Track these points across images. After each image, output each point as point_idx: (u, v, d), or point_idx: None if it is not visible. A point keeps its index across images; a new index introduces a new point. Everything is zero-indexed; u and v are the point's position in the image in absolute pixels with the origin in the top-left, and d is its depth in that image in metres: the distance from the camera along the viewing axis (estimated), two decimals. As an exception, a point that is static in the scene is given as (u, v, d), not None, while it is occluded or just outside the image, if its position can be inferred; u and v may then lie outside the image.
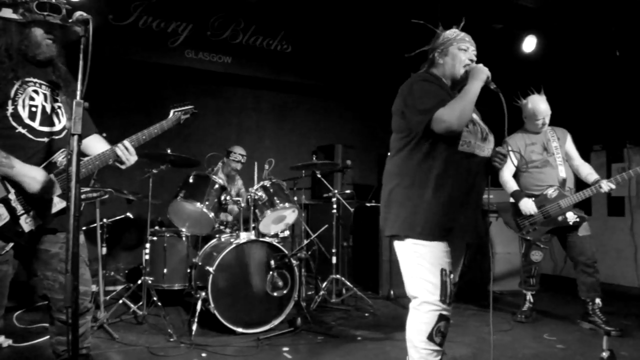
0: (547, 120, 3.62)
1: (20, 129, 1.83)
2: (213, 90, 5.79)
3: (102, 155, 1.97)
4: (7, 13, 1.75)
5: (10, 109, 1.80)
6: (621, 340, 3.24)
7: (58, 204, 1.90)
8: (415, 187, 1.94)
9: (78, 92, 1.59)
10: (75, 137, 1.56)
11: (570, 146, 3.71)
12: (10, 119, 1.80)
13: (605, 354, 2.34)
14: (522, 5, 4.87)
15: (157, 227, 4.34)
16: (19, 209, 1.81)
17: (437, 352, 1.89)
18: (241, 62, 5.55)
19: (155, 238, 4.07)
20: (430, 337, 1.87)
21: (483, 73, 1.96)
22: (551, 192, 3.56)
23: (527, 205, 3.58)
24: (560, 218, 3.52)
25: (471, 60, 2.04)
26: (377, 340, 3.29)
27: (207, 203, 3.60)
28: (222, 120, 5.83)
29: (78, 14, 1.65)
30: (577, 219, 3.49)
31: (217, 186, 3.71)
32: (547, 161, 3.61)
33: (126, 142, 2.00)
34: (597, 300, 3.48)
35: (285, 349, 3.05)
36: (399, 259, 2.04)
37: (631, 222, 5.21)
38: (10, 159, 1.77)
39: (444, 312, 1.88)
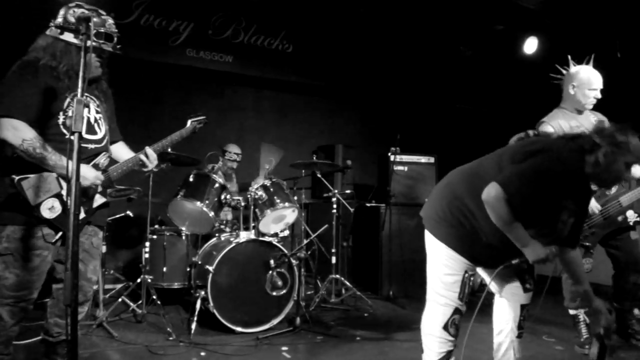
0: (599, 96, 3.03)
1: (69, 136, 1.96)
2: (214, 89, 5.79)
3: (129, 161, 2.26)
4: (69, 37, 2.04)
5: (61, 118, 2.03)
6: (621, 342, 3.23)
7: (98, 200, 2.17)
8: (485, 230, 1.94)
9: (79, 90, 1.60)
10: (76, 135, 1.56)
11: None
12: (62, 127, 2.03)
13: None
14: (524, 6, 4.87)
15: (157, 226, 4.34)
16: (69, 203, 1.93)
17: (451, 341, 2.03)
18: (242, 62, 5.55)
19: (155, 236, 4.07)
20: (445, 327, 2.01)
21: (535, 258, 1.86)
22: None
23: (590, 205, 2.94)
24: (620, 218, 3.03)
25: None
26: (376, 341, 3.29)
27: (207, 202, 3.60)
28: (222, 119, 5.82)
29: (79, 11, 1.66)
30: (639, 218, 3.04)
31: (217, 185, 3.71)
32: None
33: (149, 150, 2.29)
34: (637, 311, 3.17)
35: (284, 348, 3.05)
36: (426, 249, 2.12)
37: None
38: (63, 159, 1.97)
39: (459, 307, 2.02)
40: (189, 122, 2.63)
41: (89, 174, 2.06)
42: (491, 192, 1.82)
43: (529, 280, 2.12)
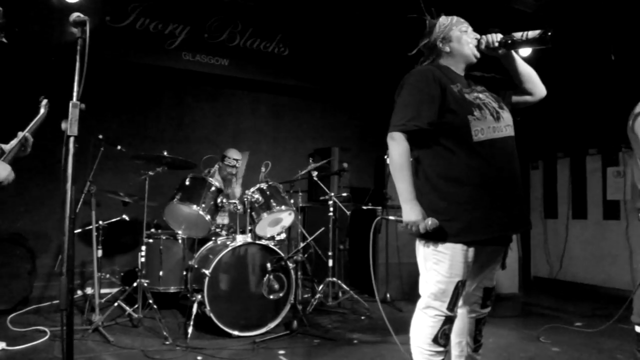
0: None
1: None
2: (210, 92, 5.78)
3: (14, 149, 2.16)
4: None
5: None
6: (616, 344, 3.25)
7: None
8: (436, 188, 1.92)
9: (75, 94, 1.60)
10: (72, 139, 1.56)
11: None
12: None
13: None
14: (519, 9, 4.90)
15: (153, 230, 4.33)
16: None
17: (441, 352, 1.90)
18: (238, 65, 5.54)
19: (151, 240, 4.05)
20: (435, 340, 1.87)
21: (407, 219, 1.88)
22: None
23: None
24: None
25: (476, 39, 1.98)
26: (373, 344, 3.29)
27: (203, 205, 3.60)
28: (219, 122, 5.82)
29: (75, 15, 1.66)
30: None
31: (213, 189, 3.71)
32: None
33: (28, 135, 2.23)
34: None
35: (282, 352, 3.04)
36: (417, 257, 1.98)
37: (626, 226, 5.24)
38: None
39: (450, 316, 1.89)
40: (42, 109, 2.51)
41: (3, 171, 2.01)
42: (388, 141, 1.91)
43: (491, 298, 2.07)
